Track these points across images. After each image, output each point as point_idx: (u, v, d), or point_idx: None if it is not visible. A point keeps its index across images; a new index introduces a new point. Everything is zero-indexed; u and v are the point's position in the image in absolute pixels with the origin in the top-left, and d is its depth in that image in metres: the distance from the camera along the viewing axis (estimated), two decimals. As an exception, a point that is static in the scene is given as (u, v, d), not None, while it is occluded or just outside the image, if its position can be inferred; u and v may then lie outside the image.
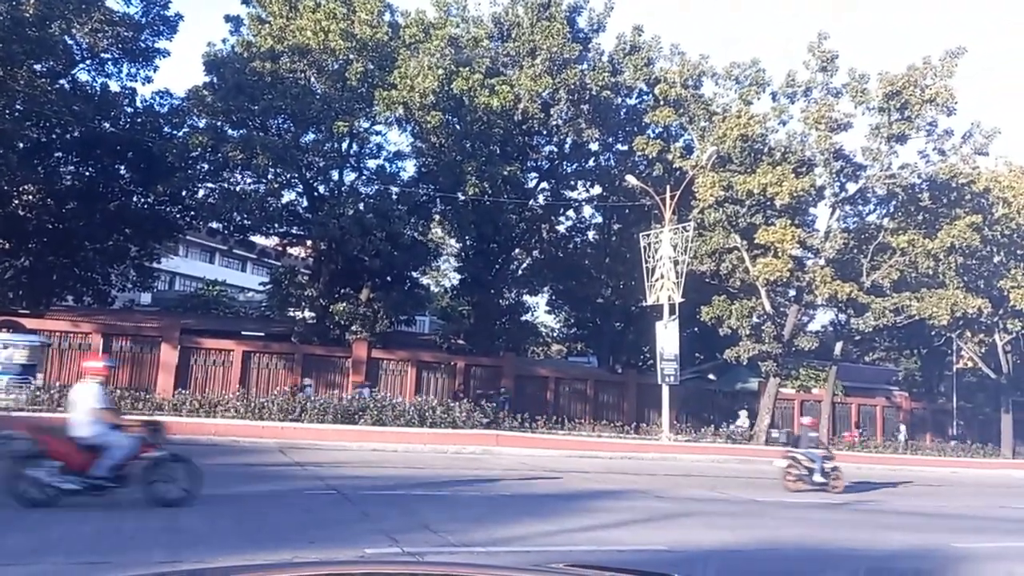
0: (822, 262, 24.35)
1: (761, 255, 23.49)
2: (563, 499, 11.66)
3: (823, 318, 32.58)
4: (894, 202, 25.71)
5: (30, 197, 22.10)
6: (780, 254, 22.68)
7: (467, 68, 23.08)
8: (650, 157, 25.78)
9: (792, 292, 26.00)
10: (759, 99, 25.42)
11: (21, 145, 20.42)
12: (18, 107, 20.51)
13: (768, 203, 23.61)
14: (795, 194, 22.53)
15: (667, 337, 22.54)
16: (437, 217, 27.32)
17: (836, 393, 28.44)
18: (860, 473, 18.78)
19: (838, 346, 27.42)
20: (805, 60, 24.50)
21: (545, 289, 32.74)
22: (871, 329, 25.51)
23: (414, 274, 27.00)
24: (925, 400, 33.87)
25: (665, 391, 22.57)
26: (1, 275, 25.11)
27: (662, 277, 22.94)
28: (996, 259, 27.00)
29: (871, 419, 31.00)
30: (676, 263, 22.74)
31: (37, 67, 20.77)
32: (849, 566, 8.34)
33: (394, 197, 23.57)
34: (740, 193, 23.10)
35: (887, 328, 26.47)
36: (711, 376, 32.02)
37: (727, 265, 24.99)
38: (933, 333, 28.81)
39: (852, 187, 25.24)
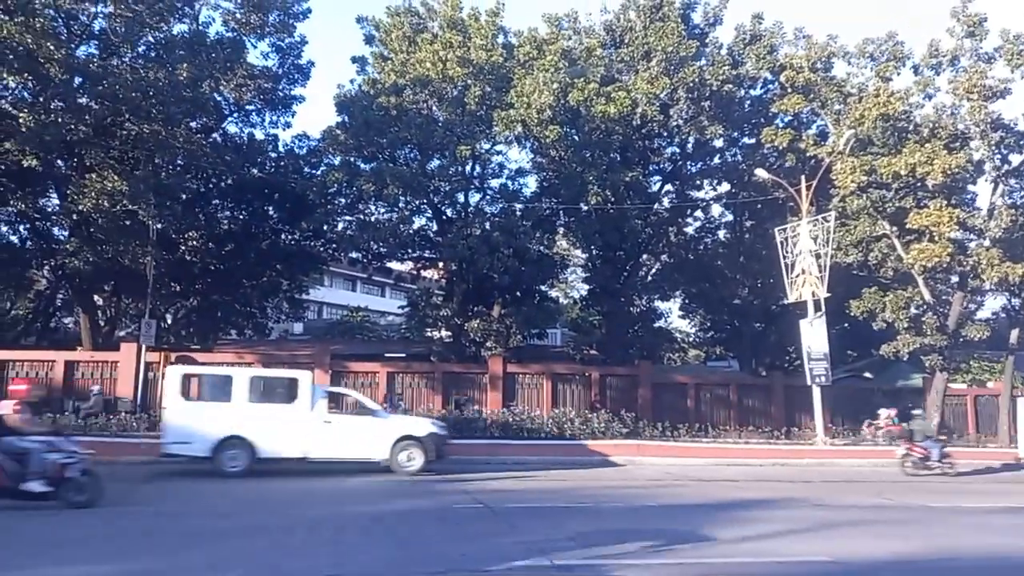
0: (987, 243, 22.15)
1: (915, 240, 21.73)
2: (713, 509, 11.23)
3: (994, 304, 29.45)
4: (1069, 170, 22.99)
5: (194, 242, 24.37)
6: (937, 238, 20.89)
7: (582, 79, 23.09)
8: (780, 148, 24.63)
9: (955, 278, 23.81)
10: (898, 75, 23.64)
11: (184, 196, 22.59)
12: (179, 162, 22.72)
13: (918, 184, 21.84)
14: (949, 172, 20.67)
15: (814, 335, 21.28)
16: (561, 230, 27.40)
17: (1016, 386, 25.64)
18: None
19: (1014, 333, 24.75)
20: (949, 27, 22.57)
21: (677, 293, 31.91)
22: (1053, 313, 22.86)
23: (543, 287, 27.17)
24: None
25: (816, 392, 21.28)
26: (174, 315, 27.83)
27: (803, 272, 21.72)
28: None
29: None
30: (818, 256, 21.46)
31: (193, 124, 22.95)
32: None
33: (518, 213, 23.90)
34: (885, 176, 21.50)
35: (1073, 310, 23.62)
36: (867, 374, 29.85)
37: (876, 254, 23.26)
38: None
39: (1016, 158, 22.86)
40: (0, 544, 7.89)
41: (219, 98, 23.90)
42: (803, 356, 22.03)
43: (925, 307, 22.99)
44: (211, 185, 24.98)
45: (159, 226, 21.57)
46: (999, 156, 22.66)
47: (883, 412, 22.59)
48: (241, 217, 26.24)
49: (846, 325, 26.24)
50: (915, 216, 21.35)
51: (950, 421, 25.18)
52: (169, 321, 27.47)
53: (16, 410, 9.82)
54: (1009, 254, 21.63)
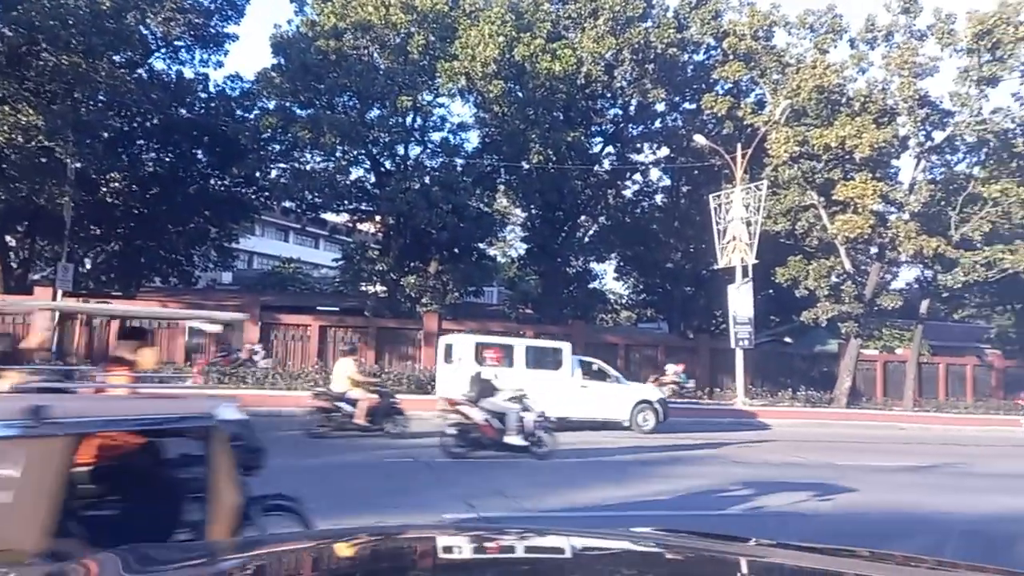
0: (906, 216, 23.21)
1: (840, 212, 22.56)
2: (637, 465, 11.63)
3: (908, 275, 31.05)
4: (985, 149, 24.16)
5: (116, 184, 23.17)
6: (860, 210, 21.73)
7: (528, 34, 22.75)
8: (719, 115, 24.99)
9: (874, 249, 24.92)
10: (836, 47, 24.22)
11: (105, 135, 21.34)
12: (101, 98, 21.41)
13: (847, 157, 22.59)
14: (876, 146, 21.45)
15: (740, 300, 22.01)
16: (502, 187, 27.26)
17: (922, 353, 27.25)
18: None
19: (924, 304, 26.18)
20: (886, 3, 23.17)
21: (613, 256, 32.36)
22: (960, 285, 24.22)
23: (481, 245, 27.10)
24: (1020, 358, 32.01)
25: (739, 355, 22.12)
26: (94, 259, 26.58)
27: (734, 239, 22.33)
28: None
29: (961, 380, 29.57)
30: (749, 224, 22.07)
31: (116, 58, 21.56)
32: (940, 529, 8.03)
33: (459, 169, 23.63)
34: (816, 147, 22.16)
35: (978, 283, 25.03)
36: (787, 339, 31.12)
37: (803, 224, 24.09)
38: (1030, 288, 27.05)
39: (939, 135, 23.87)
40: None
41: (145, 31, 22.53)
42: (729, 320, 22.79)
43: (845, 276, 24.01)
44: (135, 124, 23.71)
45: (78, 165, 20.41)
46: (923, 132, 23.62)
47: (670, 368, 22.65)
48: (168, 159, 25.07)
49: (770, 291, 27.22)
50: (842, 188, 22.13)
51: (860, 385, 26.61)
52: (88, 266, 26.23)
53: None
54: (926, 228, 22.74)
